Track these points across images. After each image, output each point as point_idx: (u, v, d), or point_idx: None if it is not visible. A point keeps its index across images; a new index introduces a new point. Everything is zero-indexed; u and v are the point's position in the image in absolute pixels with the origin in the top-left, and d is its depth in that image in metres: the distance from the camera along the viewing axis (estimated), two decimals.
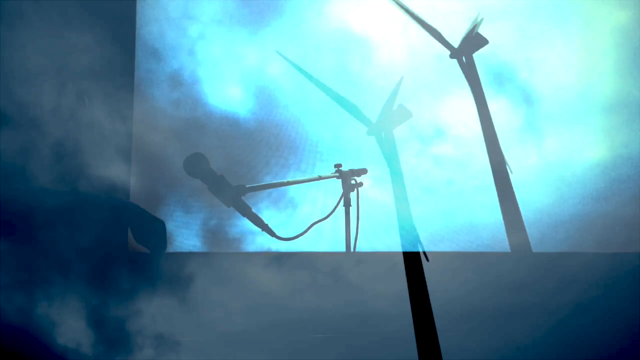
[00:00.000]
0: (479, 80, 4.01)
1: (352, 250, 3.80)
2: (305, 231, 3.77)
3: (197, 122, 3.92)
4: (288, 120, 3.96)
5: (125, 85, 3.86)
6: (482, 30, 4.02)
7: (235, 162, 3.88)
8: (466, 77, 4.02)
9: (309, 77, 3.97)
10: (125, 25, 3.93)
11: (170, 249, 3.76)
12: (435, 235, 3.81)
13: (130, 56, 3.90)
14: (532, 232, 3.83)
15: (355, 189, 3.87)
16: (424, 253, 3.71)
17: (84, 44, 3.79)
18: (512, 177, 3.92)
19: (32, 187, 3.63)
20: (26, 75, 3.76)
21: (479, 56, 4.05)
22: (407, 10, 4.03)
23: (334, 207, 3.84)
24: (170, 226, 3.80)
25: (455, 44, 4.05)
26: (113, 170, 3.75)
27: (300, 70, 3.96)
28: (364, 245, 3.82)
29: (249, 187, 3.74)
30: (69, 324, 3.53)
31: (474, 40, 4.03)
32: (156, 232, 3.76)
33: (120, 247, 3.71)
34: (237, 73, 3.99)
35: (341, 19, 4.03)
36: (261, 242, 3.78)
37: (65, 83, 3.78)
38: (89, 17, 3.83)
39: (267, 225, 3.73)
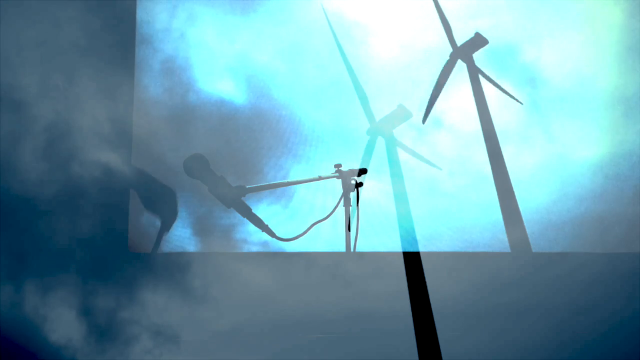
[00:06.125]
0: (479, 80, 4.01)
1: (352, 250, 3.80)
2: (306, 232, 3.77)
3: (198, 113, 3.92)
4: (288, 118, 3.96)
5: (125, 74, 3.86)
6: (480, 27, 4.03)
7: (235, 158, 3.88)
8: (470, 75, 4.03)
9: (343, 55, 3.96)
10: (125, 10, 3.93)
11: (168, 248, 3.77)
12: (435, 234, 3.81)
13: (130, 46, 3.90)
14: (532, 231, 3.83)
15: (355, 189, 3.87)
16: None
17: (84, 27, 3.80)
18: (512, 176, 3.92)
19: (28, 176, 3.65)
20: (21, 62, 3.77)
21: (477, 54, 4.06)
22: None
23: (334, 207, 3.84)
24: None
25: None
26: (112, 157, 3.75)
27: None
28: (364, 245, 3.82)
29: (249, 187, 3.74)
30: (61, 319, 3.55)
31: (474, 40, 4.03)
32: (166, 199, 3.76)
33: (119, 240, 3.72)
34: (240, 66, 3.98)
35: (337, 9, 4.02)
36: (261, 242, 3.78)
37: (59, 66, 3.79)
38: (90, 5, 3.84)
39: (267, 225, 3.73)
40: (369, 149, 3.93)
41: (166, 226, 3.73)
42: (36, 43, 3.80)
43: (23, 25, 3.81)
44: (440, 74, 4.02)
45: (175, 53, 3.94)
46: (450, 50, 4.10)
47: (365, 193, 3.88)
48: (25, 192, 3.66)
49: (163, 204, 3.75)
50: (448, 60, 4.06)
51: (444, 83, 4.00)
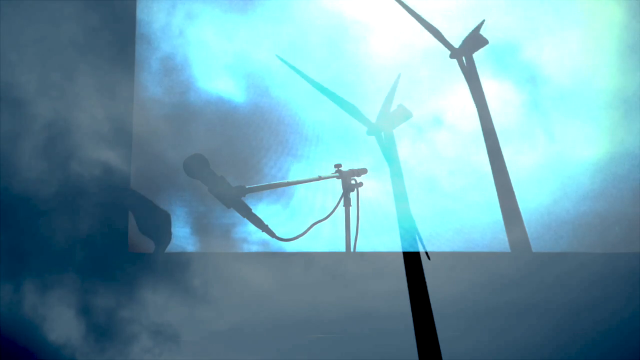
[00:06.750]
0: (479, 80, 4.00)
1: (352, 250, 3.80)
2: (305, 232, 3.77)
3: (197, 111, 3.91)
4: (288, 117, 3.95)
5: (125, 72, 3.86)
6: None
7: (235, 158, 3.88)
8: (466, 77, 4.02)
9: (311, 82, 3.96)
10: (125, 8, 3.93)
11: (168, 248, 3.76)
12: (435, 235, 3.81)
13: (130, 44, 3.90)
14: (532, 231, 3.83)
15: (355, 189, 3.87)
16: (426, 253, 3.72)
17: (84, 22, 3.80)
18: (512, 176, 3.91)
19: (28, 175, 3.65)
20: (20, 60, 3.76)
21: (477, 53, 4.05)
22: (408, 9, 4.02)
23: (334, 207, 3.84)
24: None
25: (453, 42, 4.05)
26: (112, 156, 3.75)
27: (302, 74, 3.95)
28: (364, 245, 3.82)
29: (249, 187, 3.74)
30: (60, 319, 3.55)
31: (474, 41, 4.02)
32: (161, 223, 3.76)
33: (119, 239, 3.72)
34: (241, 65, 3.97)
35: (336, 8, 4.01)
36: (261, 242, 3.78)
37: (58, 64, 3.79)
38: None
39: (267, 225, 3.73)
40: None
41: (160, 249, 3.74)
42: (35, 41, 3.80)
43: (22, 23, 3.80)
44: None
45: (175, 51, 3.94)
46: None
47: (365, 193, 3.88)
48: (25, 192, 3.65)
49: (157, 228, 3.75)
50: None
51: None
